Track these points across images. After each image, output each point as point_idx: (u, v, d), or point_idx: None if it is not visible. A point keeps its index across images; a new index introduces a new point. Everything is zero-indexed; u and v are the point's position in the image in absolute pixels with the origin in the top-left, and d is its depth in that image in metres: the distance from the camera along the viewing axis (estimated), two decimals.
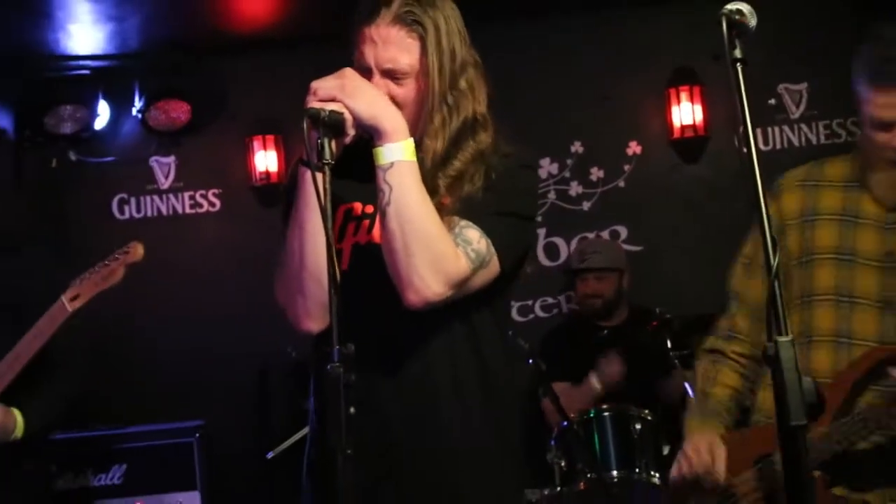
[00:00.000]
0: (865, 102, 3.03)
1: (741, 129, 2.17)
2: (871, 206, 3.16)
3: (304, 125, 2.40)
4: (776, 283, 2.05)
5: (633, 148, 6.83)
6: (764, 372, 3.23)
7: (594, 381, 5.44)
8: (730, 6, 2.21)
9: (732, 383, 3.30)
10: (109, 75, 6.81)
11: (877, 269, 3.12)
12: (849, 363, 3.07)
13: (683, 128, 6.71)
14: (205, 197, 7.09)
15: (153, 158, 7.07)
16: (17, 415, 3.40)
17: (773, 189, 3.29)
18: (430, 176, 2.58)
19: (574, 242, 6.61)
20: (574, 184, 6.82)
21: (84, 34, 6.34)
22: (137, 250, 3.42)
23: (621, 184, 6.82)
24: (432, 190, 2.56)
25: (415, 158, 2.53)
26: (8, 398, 3.40)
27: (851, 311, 3.10)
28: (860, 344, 3.08)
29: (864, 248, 3.13)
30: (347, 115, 2.46)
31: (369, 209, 2.67)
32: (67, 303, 3.31)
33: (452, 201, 2.59)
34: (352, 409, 2.21)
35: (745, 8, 2.21)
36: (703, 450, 3.17)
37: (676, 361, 5.20)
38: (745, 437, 3.24)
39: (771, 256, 2.07)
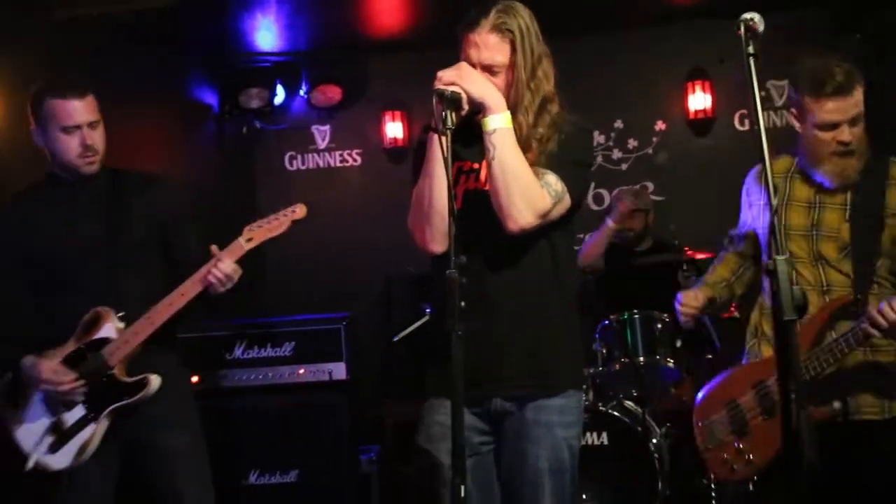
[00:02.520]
0: (813, 110, 2.97)
1: (752, 103, 2.13)
2: (802, 190, 3.12)
3: (434, 101, 2.42)
4: (775, 218, 2.03)
5: (660, 125, 6.73)
6: (748, 268, 3.44)
7: (608, 221, 5.45)
8: (746, 15, 2.19)
9: (725, 274, 3.45)
10: (285, 67, 6.81)
11: (805, 236, 3.08)
12: (812, 315, 3.04)
13: (696, 111, 6.61)
14: (350, 155, 7.10)
15: (314, 126, 7.09)
16: None
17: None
18: (524, 139, 2.58)
19: (614, 193, 6.54)
20: (616, 150, 6.75)
21: (267, 37, 6.37)
22: (302, 210, 3.22)
23: (650, 151, 6.74)
24: (525, 149, 2.57)
25: (511, 126, 2.54)
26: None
27: (795, 266, 3.07)
28: (805, 288, 3.03)
29: (794, 223, 3.10)
30: (463, 95, 2.47)
31: (476, 165, 2.68)
32: (244, 242, 3.18)
33: (538, 157, 2.59)
34: (462, 303, 2.24)
35: (756, 17, 2.20)
36: (690, 297, 3.42)
37: (689, 277, 5.16)
38: (747, 368, 3.25)
39: (772, 198, 2.04)
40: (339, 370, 4.82)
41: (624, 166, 6.75)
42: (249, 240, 3.19)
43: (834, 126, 2.95)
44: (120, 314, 3.22)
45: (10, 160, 4.54)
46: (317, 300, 5.98)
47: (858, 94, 2.94)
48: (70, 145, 3.22)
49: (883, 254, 3.05)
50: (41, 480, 3.23)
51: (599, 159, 6.71)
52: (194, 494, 3.31)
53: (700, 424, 3.34)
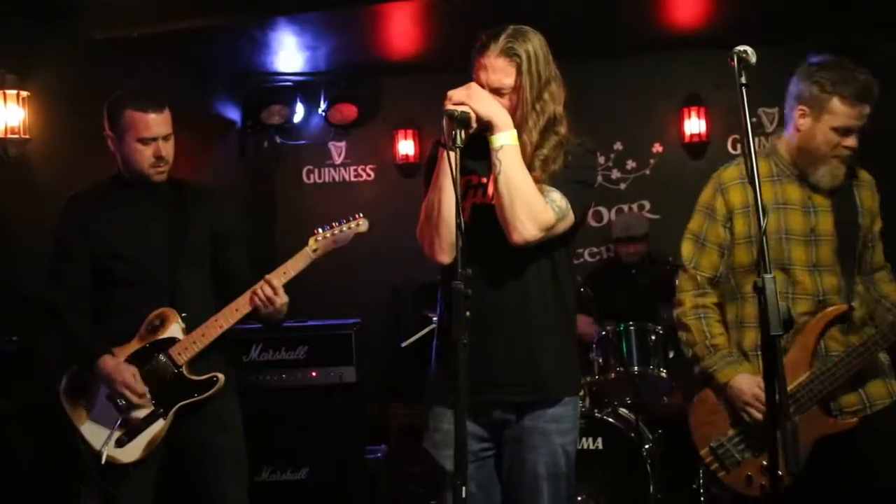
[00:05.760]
0: (837, 112, 2.89)
1: (743, 129, 2.13)
2: (794, 193, 3.03)
3: (444, 121, 2.40)
4: (764, 239, 2.02)
5: (657, 147, 6.75)
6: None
7: None
8: (739, 48, 2.20)
9: (722, 330, 3.13)
10: (304, 86, 6.86)
11: (804, 242, 3.00)
12: (808, 324, 2.98)
13: (692, 135, 6.63)
14: (364, 170, 7.12)
15: (331, 143, 7.12)
16: None
17: (720, 185, 3.17)
18: (528, 158, 2.57)
19: (613, 211, 6.60)
20: (615, 171, 6.77)
21: (289, 59, 6.39)
22: (365, 223, 3.30)
23: (647, 172, 6.76)
24: (530, 167, 2.55)
25: (517, 143, 2.53)
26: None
27: (791, 274, 3.00)
28: (801, 297, 2.98)
29: (794, 228, 3.01)
30: (472, 114, 2.46)
31: (483, 180, 2.66)
32: (311, 252, 3.21)
33: (543, 175, 2.58)
34: (468, 313, 2.22)
35: (749, 50, 2.20)
36: (760, 392, 2.93)
37: None
38: None
39: (762, 219, 2.04)
40: (349, 373, 4.82)
41: (622, 186, 6.76)
42: (315, 250, 3.23)
43: (848, 131, 2.91)
44: (183, 315, 3.22)
45: (44, 171, 4.56)
46: (329, 307, 5.98)
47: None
48: (144, 155, 3.20)
49: (858, 258, 3.04)
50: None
51: (599, 179, 6.71)
52: (235, 494, 3.29)
53: (710, 448, 3.10)
